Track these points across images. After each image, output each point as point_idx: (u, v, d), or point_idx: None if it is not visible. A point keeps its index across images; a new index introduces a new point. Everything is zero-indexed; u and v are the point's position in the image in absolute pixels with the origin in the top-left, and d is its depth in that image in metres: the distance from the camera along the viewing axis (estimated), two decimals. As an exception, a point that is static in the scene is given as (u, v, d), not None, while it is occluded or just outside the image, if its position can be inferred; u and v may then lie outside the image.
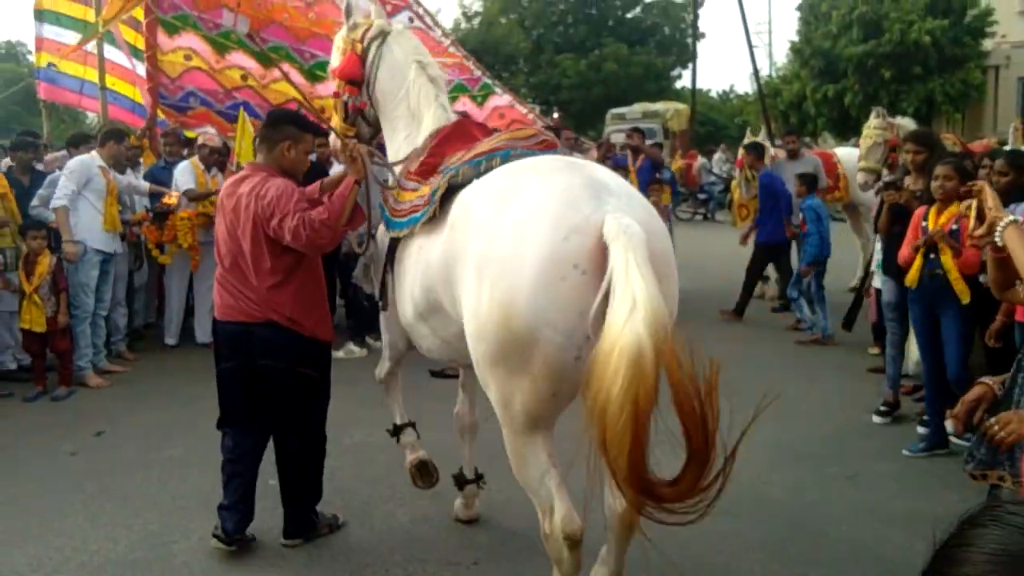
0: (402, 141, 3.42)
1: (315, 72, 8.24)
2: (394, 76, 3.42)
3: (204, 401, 5.53)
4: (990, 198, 2.42)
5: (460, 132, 3.23)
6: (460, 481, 3.73)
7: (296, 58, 8.17)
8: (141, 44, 8.16)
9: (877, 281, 5.81)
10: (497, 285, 2.30)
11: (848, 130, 21.12)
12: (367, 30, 3.49)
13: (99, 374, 6.21)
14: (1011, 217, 2.34)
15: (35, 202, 6.31)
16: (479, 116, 8.14)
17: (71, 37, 8.25)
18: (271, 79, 8.28)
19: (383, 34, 3.47)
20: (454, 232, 2.61)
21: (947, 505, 3.76)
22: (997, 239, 2.32)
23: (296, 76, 8.22)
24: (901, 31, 21.28)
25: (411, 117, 3.40)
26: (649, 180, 8.42)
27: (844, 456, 4.56)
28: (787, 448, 4.64)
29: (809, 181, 7.63)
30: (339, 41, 3.70)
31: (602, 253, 2.18)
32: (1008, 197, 4.12)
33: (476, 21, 32.03)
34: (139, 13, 7.78)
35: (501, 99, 8.38)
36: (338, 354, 6.99)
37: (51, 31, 8.24)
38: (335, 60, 3.72)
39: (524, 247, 2.26)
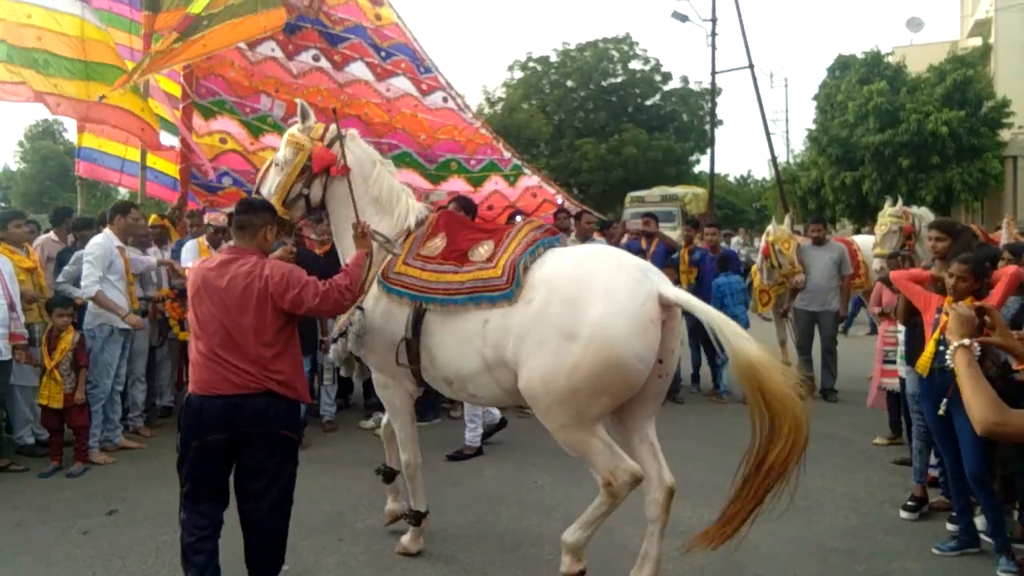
0: (373, 221, 4.17)
1: None
2: (360, 170, 4.26)
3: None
4: (952, 319, 2.48)
5: (460, 221, 4.33)
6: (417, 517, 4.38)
7: None
8: (167, 116, 8.45)
9: (900, 371, 5.76)
10: (596, 342, 3.42)
11: (866, 216, 21.23)
12: (326, 130, 4.32)
13: (114, 450, 6.20)
14: (959, 342, 2.38)
15: (61, 278, 6.44)
16: (512, 195, 8.31)
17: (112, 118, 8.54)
18: None
19: (341, 136, 4.24)
20: (528, 307, 3.61)
21: (982, 610, 3.60)
22: (948, 362, 2.42)
23: None
24: (918, 122, 21.59)
25: (378, 204, 4.26)
26: (663, 263, 8.47)
27: (873, 553, 4.40)
28: (813, 543, 4.50)
29: (723, 262, 8.54)
30: (295, 136, 4.31)
31: (661, 310, 3.52)
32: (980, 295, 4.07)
33: (499, 106, 32.93)
34: (175, 89, 8.08)
35: (531, 180, 8.55)
36: (367, 424, 7.00)
37: (97, 112, 8.53)
38: (288, 152, 4.27)
39: (620, 322, 3.44)
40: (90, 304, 6.07)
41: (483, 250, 3.88)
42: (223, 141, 8.33)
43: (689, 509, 5.04)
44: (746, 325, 7.31)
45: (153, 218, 8.08)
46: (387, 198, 4.28)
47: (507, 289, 3.67)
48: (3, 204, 35.28)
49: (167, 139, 8.58)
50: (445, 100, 8.58)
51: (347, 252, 4.22)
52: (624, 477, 3.55)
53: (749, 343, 3.40)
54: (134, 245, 6.77)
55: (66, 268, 6.43)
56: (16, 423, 6.31)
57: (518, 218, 7.26)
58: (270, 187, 4.24)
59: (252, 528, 3.60)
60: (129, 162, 8.95)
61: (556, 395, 3.52)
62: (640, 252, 8.46)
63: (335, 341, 4.35)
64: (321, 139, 4.28)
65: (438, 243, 4.06)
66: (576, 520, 3.76)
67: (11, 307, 5.70)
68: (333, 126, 4.31)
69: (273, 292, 3.51)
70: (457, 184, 8.59)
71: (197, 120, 8.26)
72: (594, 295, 3.48)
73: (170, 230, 7.95)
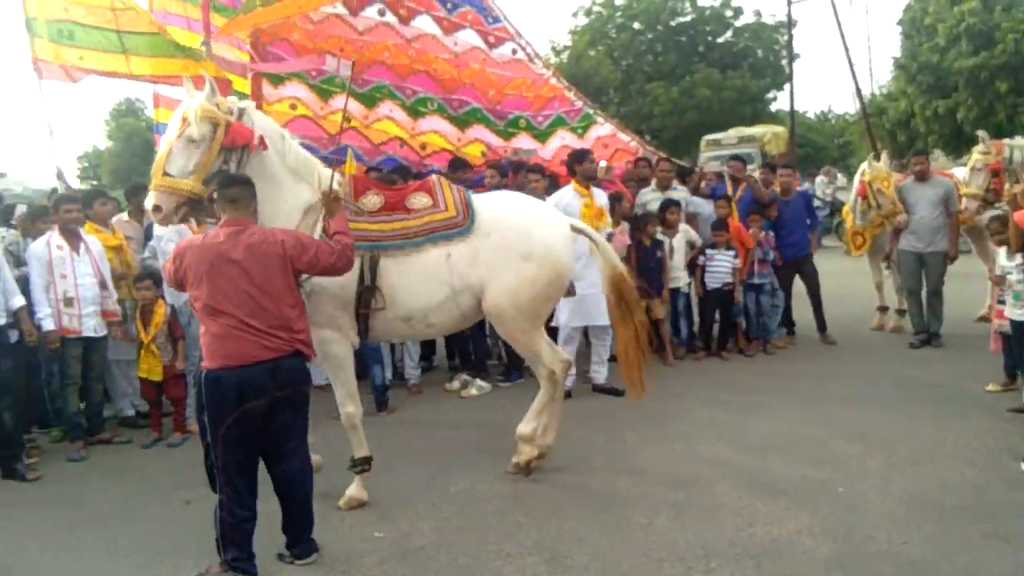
0: (295, 190, 4.36)
1: (417, 108, 8.36)
2: (271, 142, 4.30)
3: (335, 444, 5.58)
4: None
5: (371, 182, 4.99)
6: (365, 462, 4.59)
7: (398, 95, 8.32)
8: (245, 89, 8.44)
9: (1013, 312, 5.39)
10: (548, 260, 4.60)
11: (962, 146, 20.02)
12: (231, 104, 4.23)
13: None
14: None
15: (146, 253, 6.56)
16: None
17: (181, 93, 8.58)
18: (374, 119, 8.44)
19: (244, 108, 4.27)
20: (489, 238, 4.54)
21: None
22: None
23: (399, 113, 8.38)
24: (1015, 41, 20.08)
25: (296, 174, 4.39)
26: (750, 210, 8.10)
27: (994, 511, 4.11)
28: (927, 501, 4.24)
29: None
30: (210, 111, 4.07)
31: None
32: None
33: (565, 55, 32.19)
34: (245, 56, 8.06)
35: (603, 128, 8.27)
36: (452, 386, 7.01)
37: (165, 88, 8.61)
38: (204, 128, 4.05)
39: (558, 241, 4.72)
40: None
41: (423, 199, 4.58)
42: (293, 107, 8.28)
43: (787, 467, 4.84)
44: None
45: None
46: (303, 168, 4.46)
47: (464, 225, 4.53)
48: (94, 182, 36.72)
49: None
50: (514, 52, 8.33)
51: (271, 223, 4.14)
52: (562, 365, 4.84)
53: (619, 263, 5.03)
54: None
55: (151, 243, 6.54)
56: (115, 396, 6.53)
57: None
58: (186, 164, 4.04)
59: (290, 489, 3.76)
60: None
61: (520, 306, 4.57)
62: (725, 198, 8.12)
63: None
64: (230, 112, 4.18)
65: (374, 199, 4.53)
66: (527, 416, 4.83)
67: (103, 285, 5.85)
68: (232, 99, 4.35)
69: (291, 255, 3.69)
70: (525, 141, 8.40)
71: (267, 88, 8.22)
72: (536, 224, 4.67)
73: None
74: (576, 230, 4.92)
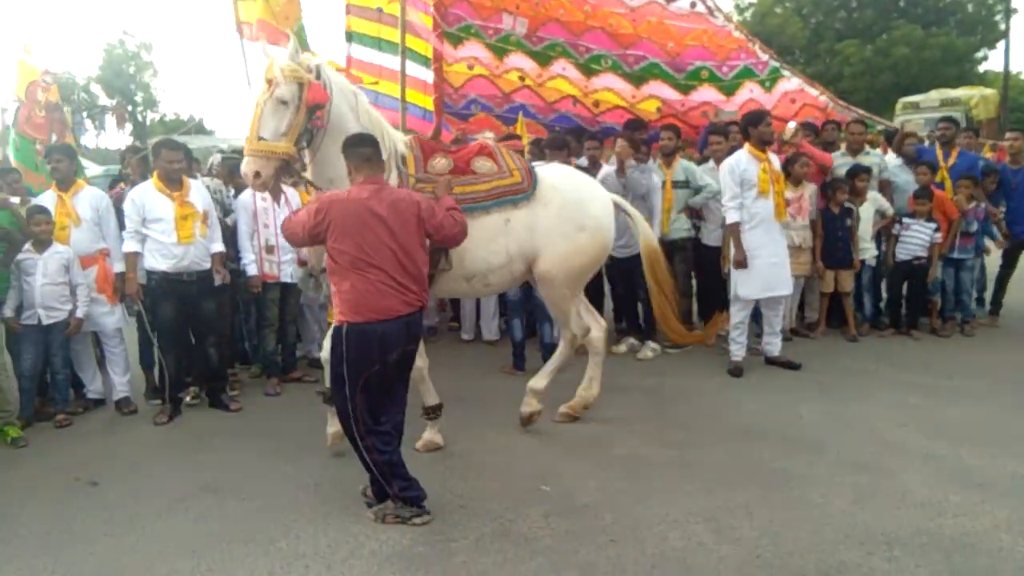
0: None
1: (590, 66, 8.29)
2: (345, 100, 4.32)
3: (478, 398, 5.79)
4: None
5: (435, 145, 5.00)
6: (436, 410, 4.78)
7: (572, 53, 8.28)
8: (427, 52, 8.70)
9: None
10: (598, 233, 4.87)
11: None
12: (308, 61, 4.16)
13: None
14: None
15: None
16: (768, 102, 7.69)
17: (372, 55, 9.01)
18: (547, 77, 8.47)
19: (320, 65, 4.22)
20: (548, 208, 4.71)
21: None
22: None
23: (572, 71, 8.35)
24: None
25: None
26: (959, 176, 7.39)
27: None
28: None
29: None
30: (296, 71, 4.05)
31: None
32: None
33: (749, 13, 30.64)
34: (428, 20, 8.31)
35: (790, 83, 7.81)
36: (619, 349, 6.99)
37: (357, 51, 9.05)
38: (293, 88, 4.02)
39: (607, 216, 4.97)
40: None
41: (487, 164, 4.67)
42: (470, 67, 8.46)
43: (983, 457, 4.45)
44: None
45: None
46: (375, 127, 4.37)
47: (528, 191, 4.68)
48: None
49: (418, 71, 8.85)
50: (693, 5, 8.01)
51: (343, 183, 4.09)
52: (582, 331, 5.11)
53: (654, 240, 5.39)
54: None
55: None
56: (305, 339, 7.04)
57: None
58: (278, 126, 3.99)
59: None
60: (383, 96, 9.41)
61: (569, 273, 4.82)
62: (929, 165, 7.47)
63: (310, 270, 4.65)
64: (309, 71, 4.13)
65: (443, 162, 4.56)
66: (541, 372, 5.24)
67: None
68: (310, 56, 4.27)
69: (424, 216, 3.78)
70: (708, 93, 8.07)
71: (447, 48, 8.46)
72: (590, 197, 4.92)
73: None
74: (616, 205, 5.13)
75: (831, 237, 7.19)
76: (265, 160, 3.97)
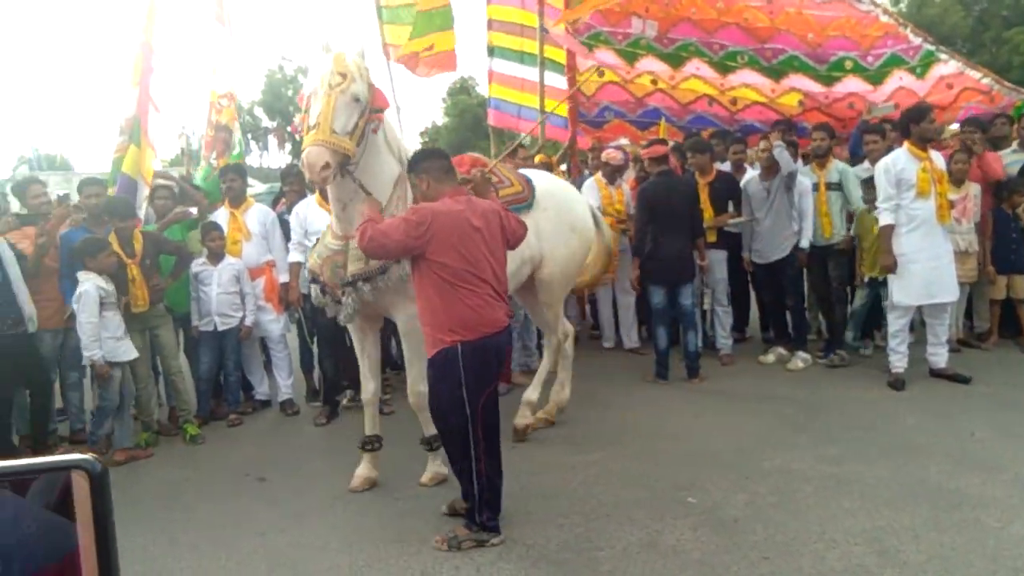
0: (389, 161, 4.16)
1: (726, 63, 8.08)
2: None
3: (619, 407, 5.76)
4: None
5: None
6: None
7: (706, 52, 8.11)
8: (559, 58, 8.76)
9: None
10: (585, 233, 5.25)
11: None
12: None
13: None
14: None
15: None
16: (921, 89, 7.26)
17: (514, 68, 9.22)
18: (681, 79, 8.34)
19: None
20: (547, 213, 4.90)
21: None
22: None
23: (706, 70, 8.16)
24: None
25: (387, 145, 4.16)
26: None
27: None
28: None
29: None
30: (366, 72, 3.95)
31: None
32: None
33: (905, 3, 28.82)
34: (561, 27, 8.39)
35: (947, 67, 7.24)
36: (767, 359, 6.77)
37: (499, 64, 9.28)
38: (365, 89, 3.90)
39: (589, 217, 5.38)
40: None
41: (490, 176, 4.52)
42: (600, 73, 8.44)
43: None
44: None
45: (539, 157, 8.59)
46: (393, 140, 4.28)
47: (529, 200, 4.82)
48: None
49: (558, 80, 8.94)
50: None
51: (381, 193, 4.04)
52: (565, 334, 5.31)
53: (614, 248, 6.21)
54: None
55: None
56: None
57: None
58: (347, 123, 3.76)
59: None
60: (524, 108, 9.58)
61: (567, 275, 5.11)
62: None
63: (362, 281, 4.09)
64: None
65: (476, 173, 4.37)
66: (533, 383, 5.39)
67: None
68: (363, 61, 3.99)
69: (504, 224, 3.78)
70: (854, 84, 7.66)
71: (578, 58, 8.49)
72: (575, 200, 5.37)
73: (553, 168, 8.36)
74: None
75: (1004, 239, 6.63)
76: (333, 153, 3.70)
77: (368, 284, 4.05)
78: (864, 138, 6.86)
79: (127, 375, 5.43)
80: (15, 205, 6.45)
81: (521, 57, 9.05)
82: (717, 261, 6.82)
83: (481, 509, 3.72)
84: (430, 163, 3.76)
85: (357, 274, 4.05)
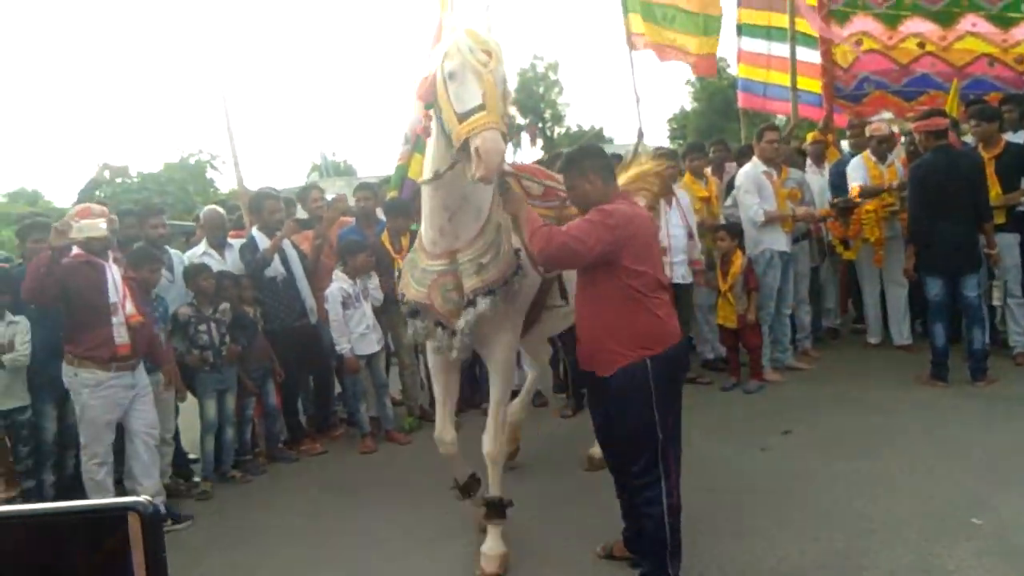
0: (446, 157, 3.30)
1: (1005, 15, 7.02)
2: None
3: (888, 408, 5.24)
4: None
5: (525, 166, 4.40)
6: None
7: (982, 4, 7.12)
8: (811, 31, 8.15)
9: None
10: None
11: None
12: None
13: (784, 370, 6.46)
14: None
15: (728, 201, 6.86)
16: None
17: (760, 46, 8.76)
18: (953, 38, 7.42)
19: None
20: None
21: None
22: None
23: (984, 26, 7.17)
24: None
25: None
26: None
27: None
28: None
29: None
30: (500, 50, 3.18)
31: None
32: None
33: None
34: (812, 2, 7.81)
35: None
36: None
37: (747, 43, 8.86)
38: (504, 72, 3.22)
39: None
40: (748, 230, 6.36)
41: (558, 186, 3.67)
42: (858, 43, 7.73)
43: None
44: None
45: (812, 135, 8.04)
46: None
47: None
48: (680, 141, 40.06)
49: (810, 55, 8.34)
50: None
51: (486, 197, 3.46)
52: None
53: None
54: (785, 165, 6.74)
55: (732, 193, 6.78)
56: (697, 340, 7.04)
57: None
58: (503, 109, 3.12)
59: None
60: (771, 86, 9.04)
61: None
62: None
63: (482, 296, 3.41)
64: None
65: (534, 186, 3.71)
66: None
67: (690, 235, 6.32)
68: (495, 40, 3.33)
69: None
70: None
71: (834, 28, 7.83)
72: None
73: (829, 147, 7.78)
74: None
75: None
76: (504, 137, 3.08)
77: (488, 298, 3.40)
78: None
79: (375, 364, 5.94)
80: (300, 212, 7.22)
81: (768, 32, 8.58)
82: (1008, 246, 5.96)
83: (675, 555, 3.18)
84: (596, 161, 3.26)
85: (478, 288, 3.41)
